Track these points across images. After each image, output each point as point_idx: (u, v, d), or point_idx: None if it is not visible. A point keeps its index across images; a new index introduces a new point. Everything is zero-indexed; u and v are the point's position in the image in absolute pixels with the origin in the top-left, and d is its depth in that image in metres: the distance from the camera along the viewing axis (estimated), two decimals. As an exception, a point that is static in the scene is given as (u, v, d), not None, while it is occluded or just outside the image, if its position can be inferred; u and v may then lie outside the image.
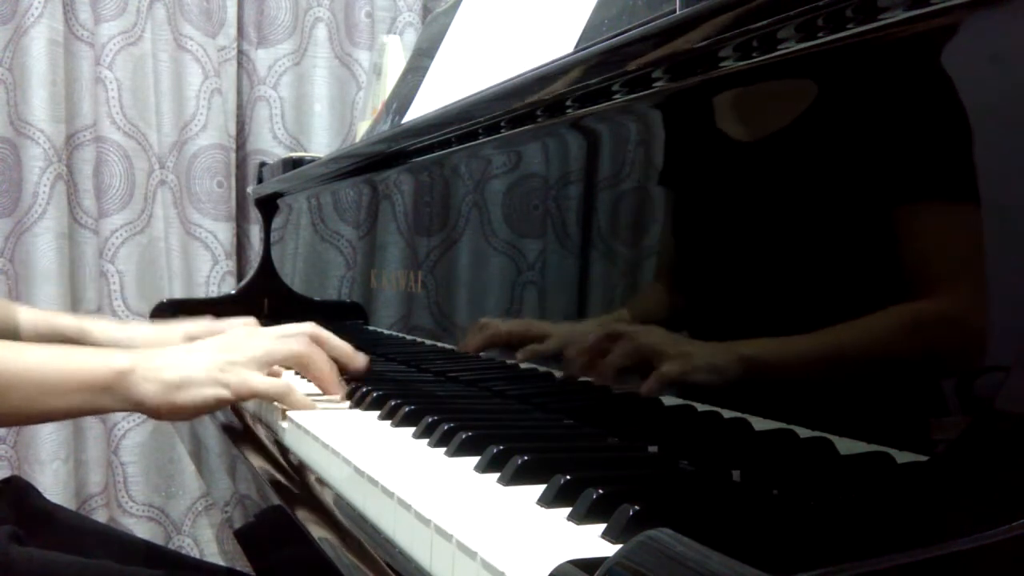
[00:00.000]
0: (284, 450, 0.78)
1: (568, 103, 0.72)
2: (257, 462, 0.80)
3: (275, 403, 0.83)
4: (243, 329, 0.85)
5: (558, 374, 0.74)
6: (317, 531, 0.59)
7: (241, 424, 0.92)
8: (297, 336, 0.84)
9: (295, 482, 0.70)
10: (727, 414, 0.55)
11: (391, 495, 0.52)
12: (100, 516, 1.88)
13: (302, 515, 0.62)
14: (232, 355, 0.80)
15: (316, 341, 0.85)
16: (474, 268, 0.91)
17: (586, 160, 0.73)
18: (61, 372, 0.76)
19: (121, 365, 0.77)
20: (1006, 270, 0.41)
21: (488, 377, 0.86)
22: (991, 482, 0.34)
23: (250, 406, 0.94)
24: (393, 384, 0.90)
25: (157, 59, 1.90)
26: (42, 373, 0.76)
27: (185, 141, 1.94)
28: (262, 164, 1.77)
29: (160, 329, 1.09)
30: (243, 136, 2.07)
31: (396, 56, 1.69)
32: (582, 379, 0.70)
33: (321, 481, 0.67)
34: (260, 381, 0.80)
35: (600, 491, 0.47)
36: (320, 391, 0.86)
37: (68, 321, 1.10)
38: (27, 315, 1.08)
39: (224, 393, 0.78)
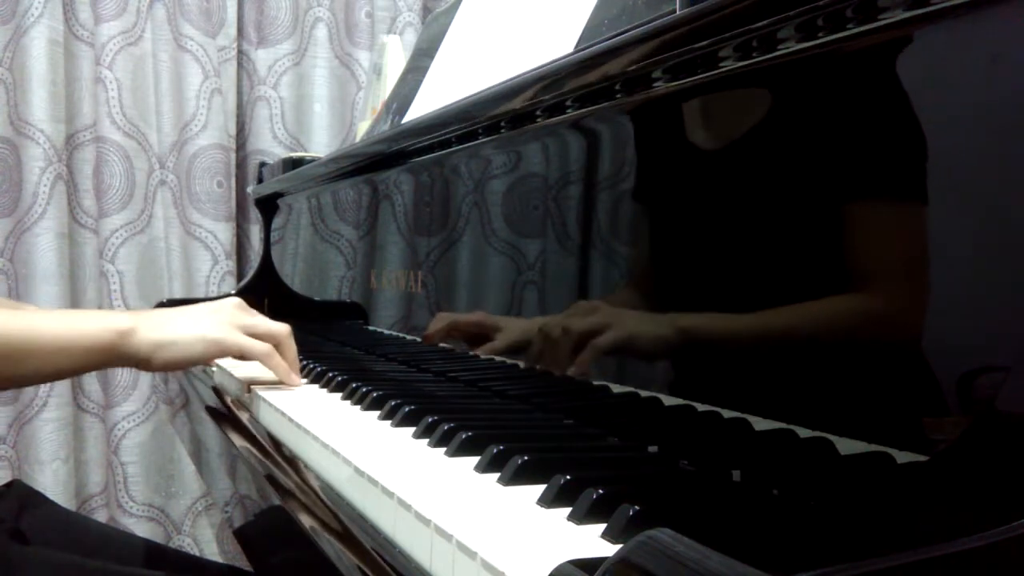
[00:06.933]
0: (277, 444, 0.78)
1: (568, 103, 0.72)
2: (251, 456, 0.80)
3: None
4: (235, 301, 0.96)
5: (556, 372, 0.74)
6: (316, 530, 0.59)
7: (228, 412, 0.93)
8: (277, 324, 0.95)
9: (292, 480, 0.70)
10: (727, 414, 0.55)
11: (391, 495, 0.52)
12: (100, 516, 1.88)
13: (297, 510, 0.62)
14: (224, 318, 0.91)
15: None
16: (474, 268, 0.91)
17: (586, 160, 0.73)
18: (71, 336, 0.85)
19: (123, 326, 0.87)
20: (1008, 270, 0.41)
21: (488, 377, 0.86)
22: (991, 482, 0.34)
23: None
24: (393, 384, 0.90)
25: (157, 59, 1.90)
26: (54, 337, 0.84)
27: (185, 141, 1.94)
28: (262, 164, 1.77)
29: None
30: (243, 136, 2.07)
31: (396, 56, 1.69)
32: (581, 378, 0.70)
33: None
34: (246, 341, 0.90)
35: (600, 491, 0.47)
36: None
37: None
38: None
39: (212, 348, 0.89)
